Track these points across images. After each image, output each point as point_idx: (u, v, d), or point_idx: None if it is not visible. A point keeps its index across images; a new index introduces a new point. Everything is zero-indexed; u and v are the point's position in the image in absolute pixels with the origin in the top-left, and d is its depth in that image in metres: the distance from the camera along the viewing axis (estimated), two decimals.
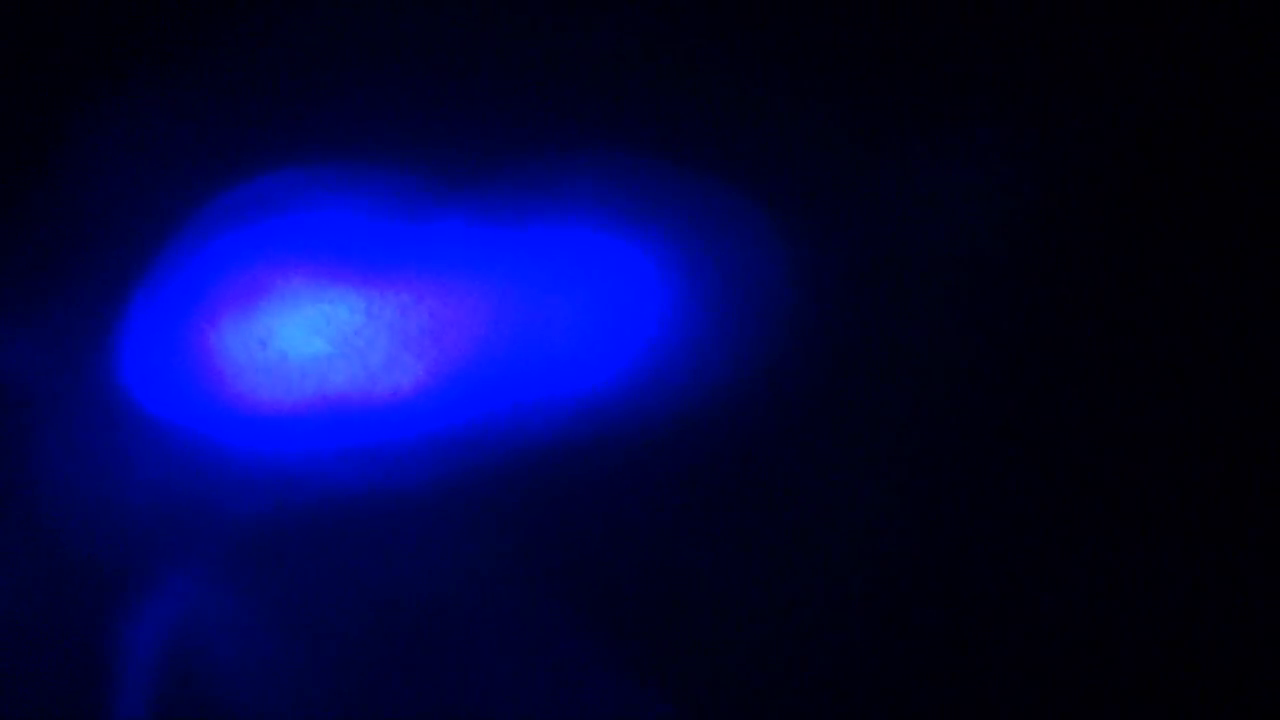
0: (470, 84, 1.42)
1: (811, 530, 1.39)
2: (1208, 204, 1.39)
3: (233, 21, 1.42)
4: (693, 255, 1.41)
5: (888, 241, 1.40)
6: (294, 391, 1.41)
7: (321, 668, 1.40)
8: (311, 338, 1.41)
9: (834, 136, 1.40)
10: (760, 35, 1.41)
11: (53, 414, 1.42)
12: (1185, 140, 1.39)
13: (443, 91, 1.42)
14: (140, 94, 1.42)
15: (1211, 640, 1.36)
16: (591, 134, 1.41)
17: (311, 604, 1.40)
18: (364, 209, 1.42)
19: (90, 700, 1.39)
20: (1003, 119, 1.40)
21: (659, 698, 1.38)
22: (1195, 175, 1.39)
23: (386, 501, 1.40)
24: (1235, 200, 1.38)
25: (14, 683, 1.40)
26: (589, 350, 1.41)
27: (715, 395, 1.40)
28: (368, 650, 1.40)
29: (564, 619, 1.39)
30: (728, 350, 1.40)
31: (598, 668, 1.39)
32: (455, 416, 1.40)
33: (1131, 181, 1.39)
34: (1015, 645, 1.37)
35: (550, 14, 1.41)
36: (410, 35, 1.42)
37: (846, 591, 1.39)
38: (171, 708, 1.39)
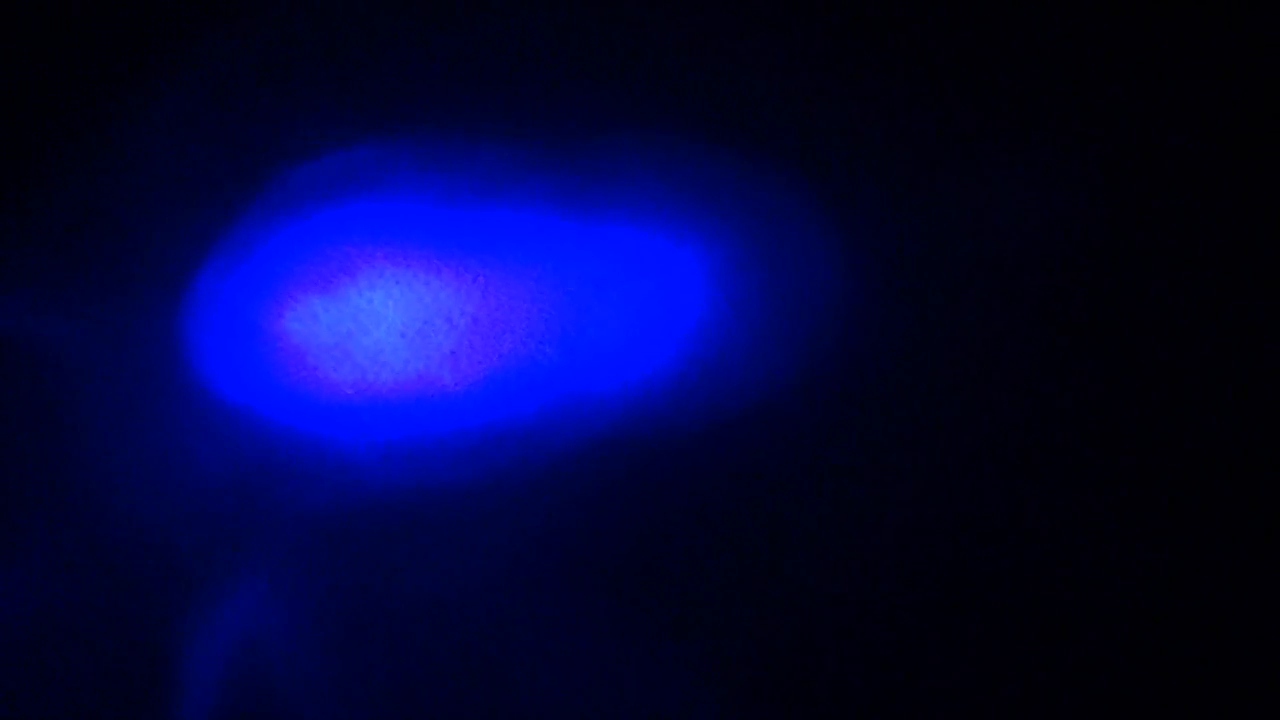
0: (530, 80, 1.43)
1: (852, 532, 1.41)
2: (1233, 220, 1.40)
3: (297, 8, 1.43)
4: (747, 257, 1.42)
5: (930, 247, 1.41)
6: (351, 376, 1.42)
7: (376, 658, 1.41)
8: (376, 325, 1.42)
9: (881, 144, 1.42)
10: (809, 44, 1.42)
11: (117, 396, 1.42)
12: (1209, 158, 1.40)
13: (499, 86, 1.43)
14: (212, 76, 1.43)
15: (1220, 653, 1.38)
16: (648, 135, 1.42)
17: (367, 593, 1.42)
18: (426, 195, 1.43)
19: (154, 686, 1.40)
20: (1045, 134, 1.41)
21: (693, 696, 1.39)
22: (1219, 192, 1.40)
23: (439, 492, 1.41)
24: (1260, 218, 1.40)
25: (77, 670, 1.40)
26: (642, 346, 1.42)
27: (761, 394, 1.42)
28: (417, 641, 1.42)
29: (611, 616, 1.41)
30: (772, 350, 1.42)
31: (640, 667, 1.40)
32: (509, 409, 1.41)
33: (1158, 198, 1.41)
34: (1042, 653, 1.39)
35: (613, 10, 1.43)
36: (478, 28, 1.43)
37: (884, 590, 1.40)
38: (234, 695, 1.40)
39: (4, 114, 1.42)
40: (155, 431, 1.43)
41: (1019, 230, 1.41)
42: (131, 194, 1.44)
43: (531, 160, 1.43)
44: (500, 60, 1.44)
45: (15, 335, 1.42)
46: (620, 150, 1.43)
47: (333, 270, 1.43)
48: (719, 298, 1.42)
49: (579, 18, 1.43)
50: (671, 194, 1.43)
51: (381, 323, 1.42)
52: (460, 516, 1.41)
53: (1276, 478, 1.38)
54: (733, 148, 1.43)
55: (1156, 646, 1.38)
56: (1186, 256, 1.40)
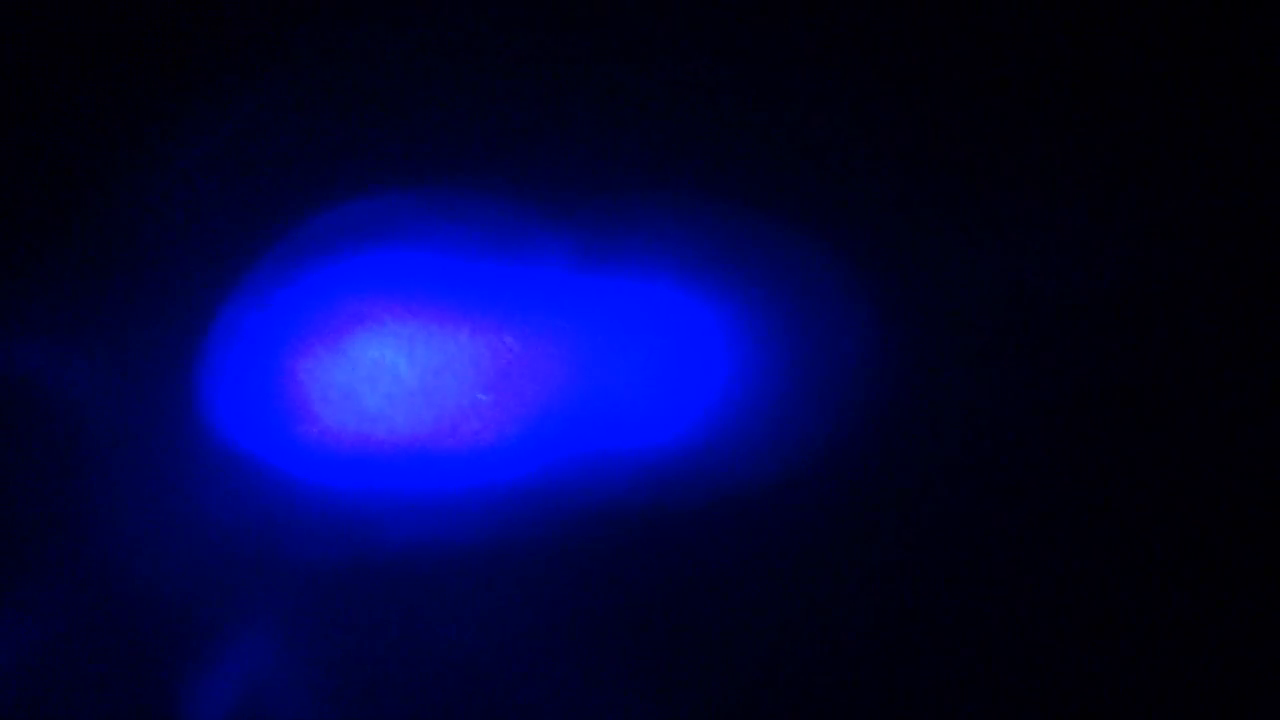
0: (557, 133, 1.42)
1: (870, 605, 1.40)
2: (1245, 287, 1.41)
3: (330, 52, 1.41)
4: (767, 316, 1.42)
5: (952, 309, 1.41)
6: (363, 429, 1.40)
7: (377, 709, 1.40)
8: (385, 376, 1.40)
9: (905, 206, 1.42)
10: (835, 105, 1.42)
11: (127, 442, 1.41)
12: (1220, 225, 1.41)
13: (530, 137, 1.42)
14: (232, 127, 1.41)
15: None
16: (670, 193, 1.42)
17: (372, 642, 1.40)
18: (444, 249, 1.42)
19: None
20: (1068, 197, 1.42)
21: None
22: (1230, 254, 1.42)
23: (448, 544, 1.40)
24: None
25: (77, 711, 1.39)
26: (660, 404, 1.41)
27: (783, 454, 1.41)
28: (422, 692, 1.40)
29: (626, 670, 1.40)
30: (793, 411, 1.41)
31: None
32: (527, 464, 1.40)
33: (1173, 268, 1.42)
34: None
35: (636, 69, 1.42)
36: (501, 83, 1.42)
37: (899, 674, 1.40)
38: None
39: (21, 162, 1.40)
40: (163, 477, 1.41)
41: (1040, 294, 1.42)
42: (147, 243, 1.42)
43: (554, 216, 1.42)
44: (523, 114, 1.42)
45: (26, 378, 1.40)
46: (642, 208, 1.42)
47: (347, 322, 1.41)
48: (739, 357, 1.42)
49: (607, 73, 1.43)
50: (693, 253, 1.42)
51: (394, 376, 1.41)
52: (468, 572, 1.40)
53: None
54: (755, 206, 1.42)
55: (1165, 672, 1.40)
56: (1203, 325, 1.42)
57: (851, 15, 1.41)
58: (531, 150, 1.42)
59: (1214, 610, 1.39)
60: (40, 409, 1.39)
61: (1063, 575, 1.40)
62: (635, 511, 1.39)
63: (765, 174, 1.42)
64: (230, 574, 1.40)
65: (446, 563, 1.39)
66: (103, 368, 1.40)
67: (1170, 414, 1.40)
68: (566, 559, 1.39)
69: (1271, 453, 1.39)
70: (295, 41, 1.41)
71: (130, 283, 1.41)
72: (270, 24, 1.41)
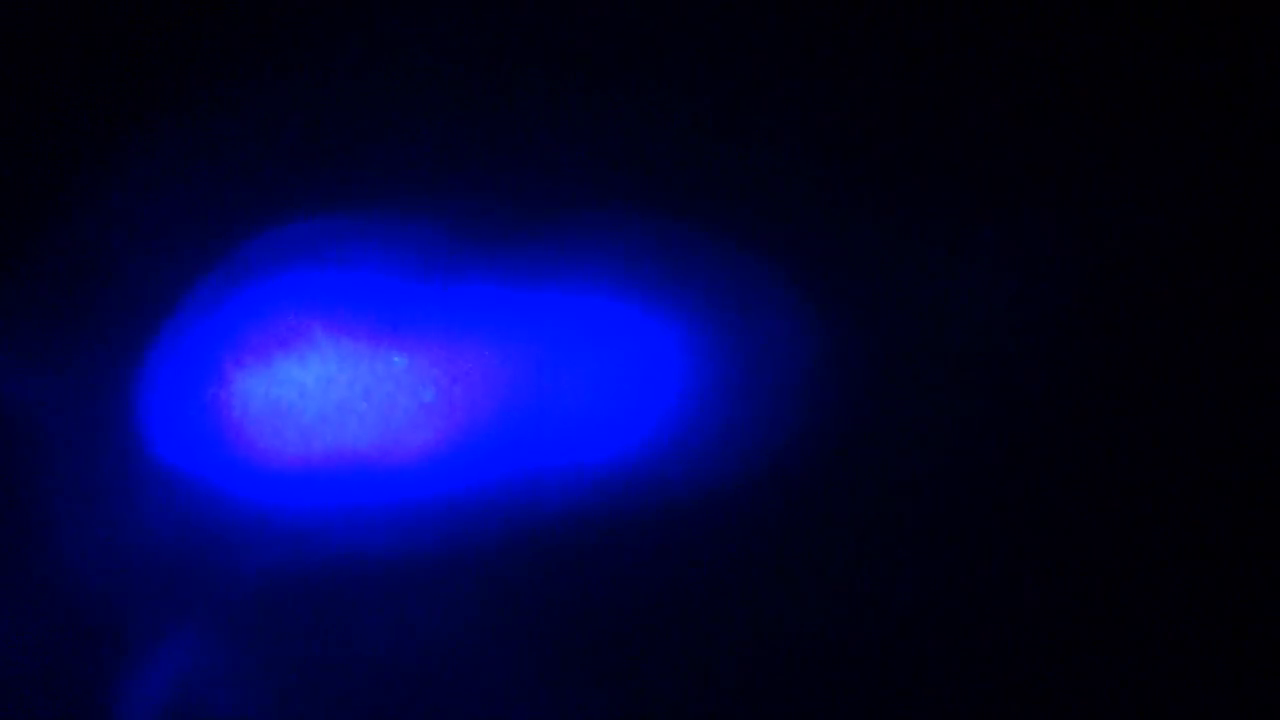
0: (502, 147, 1.42)
1: (825, 610, 1.39)
2: (1219, 297, 1.40)
3: (277, 69, 1.42)
4: (712, 326, 1.41)
5: (911, 324, 1.40)
6: (306, 447, 1.40)
7: None
8: (328, 393, 1.40)
9: (859, 217, 1.41)
10: (788, 119, 1.41)
11: (65, 456, 1.41)
12: (1196, 237, 1.39)
13: (473, 152, 1.42)
14: (173, 140, 1.42)
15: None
16: (619, 205, 1.41)
17: (311, 662, 1.39)
18: (387, 266, 1.41)
19: None
20: (1027, 213, 1.40)
21: None
22: (1205, 270, 1.40)
23: (393, 563, 1.39)
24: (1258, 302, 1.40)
25: None
26: (606, 419, 1.40)
27: (731, 467, 1.39)
28: (366, 709, 1.39)
29: (568, 690, 1.38)
30: (744, 423, 1.40)
31: None
32: (468, 480, 1.39)
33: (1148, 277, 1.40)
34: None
35: (587, 82, 1.42)
36: (442, 98, 1.42)
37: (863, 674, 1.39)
38: None
39: None
40: (106, 495, 1.41)
41: (1000, 306, 1.40)
42: (87, 260, 1.42)
43: (501, 231, 1.41)
44: (466, 131, 1.42)
45: None
46: (589, 222, 1.41)
47: (289, 338, 1.41)
48: (691, 367, 1.41)
49: (565, 88, 1.42)
50: (642, 263, 1.41)
51: (338, 392, 1.40)
52: (410, 586, 1.39)
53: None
54: (705, 218, 1.41)
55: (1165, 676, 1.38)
56: (1180, 333, 1.40)
57: (814, 18, 1.42)
58: (477, 166, 1.42)
59: (1199, 612, 1.38)
60: None
61: (1032, 584, 1.39)
62: (585, 524, 1.38)
63: (717, 183, 1.42)
64: (175, 589, 1.39)
65: (391, 576, 1.39)
66: (45, 383, 1.41)
67: (1149, 416, 1.39)
68: (514, 571, 1.39)
69: (1259, 457, 1.38)
70: (237, 63, 1.42)
71: (74, 298, 1.41)
72: (218, 44, 1.42)
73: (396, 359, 1.40)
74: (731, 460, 1.39)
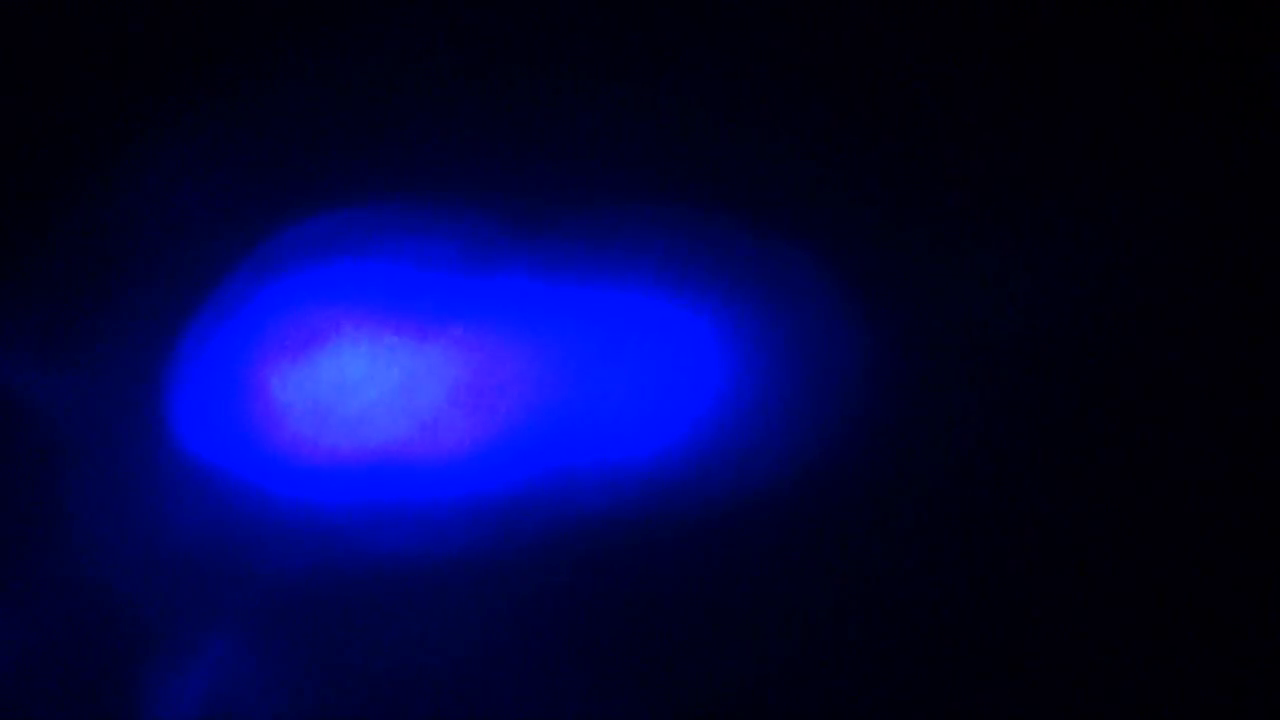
0: (532, 141, 1.40)
1: (857, 607, 1.37)
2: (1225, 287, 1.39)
3: (305, 61, 1.40)
4: (747, 323, 1.39)
5: (941, 318, 1.39)
6: (343, 442, 1.38)
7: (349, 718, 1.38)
8: (359, 389, 1.38)
9: (891, 215, 1.39)
10: (817, 114, 1.40)
11: (95, 452, 1.39)
12: (1205, 230, 1.39)
13: (511, 145, 1.40)
14: (209, 128, 1.40)
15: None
16: (652, 200, 1.39)
17: (341, 659, 1.38)
18: (424, 259, 1.39)
19: None
20: (1055, 206, 1.39)
21: None
22: (1213, 260, 1.39)
23: (430, 560, 1.37)
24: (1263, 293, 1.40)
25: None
26: (639, 416, 1.38)
27: (767, 467, 1.38)
28: (393, 709, 1.38)
29: (597, 689, 1.37)
30: (780, 424, 1.38)
31: None
32: (500, 478, 1.37)
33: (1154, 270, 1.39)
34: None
35: (619, 77, 1.40)
36: (477, 89, 1.41)
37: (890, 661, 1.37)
38: None
39: None
40: (136, 489, 1.39)
41: (1029, 301, 1.39)
42: (118, 253, 1.41)
43: (533, 225, 1.40)
44: (500, 123, 1.41)
45: None
46: (623, 219, 1.40)
47: (322, 333, 1.39)
48: (725, 367, 1.39)
49: (584, 81, 1.41)
50: (676, 261, 1.40)
51: (370, 387, 1.38)
52: (442, 585, 1.37)
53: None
54: (739, 218, 1.40)
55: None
56: (1191, 326, 1.39)
57: (833, 19, 1.40)
58: (510, 159, 1.40)
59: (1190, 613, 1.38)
60: (9, 418, 1.38)
61: (1057, 584, 1.38)
62: (617, 524, 1.37)
63: (748, 182, 1.40)
64: (202, 586, 1.38)
65: (420, 575, 1.37)
66: (73, 378, 1.39)
67: (1160, 420, 1.39)
68: (544, 571, 1.37)
69: (1256, 459, 1.38)
70: (264, 55, 1.40)
71: (102, 292, 1.39)
72: (238, 36, 1.40)
73: (429, 354, 1.38)
74: (764, 459, 1.38)
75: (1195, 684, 1.36)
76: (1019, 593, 1.37)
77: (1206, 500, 1.37)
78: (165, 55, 1.40)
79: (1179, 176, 1.39)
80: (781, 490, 1.37)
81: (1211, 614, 1.37)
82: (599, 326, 1.39)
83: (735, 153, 1.40)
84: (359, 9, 1.41)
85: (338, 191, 1.40)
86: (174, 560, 1.38)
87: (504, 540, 1.37)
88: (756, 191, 1.40)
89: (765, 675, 1.37)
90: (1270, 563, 1.36)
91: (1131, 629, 1.37)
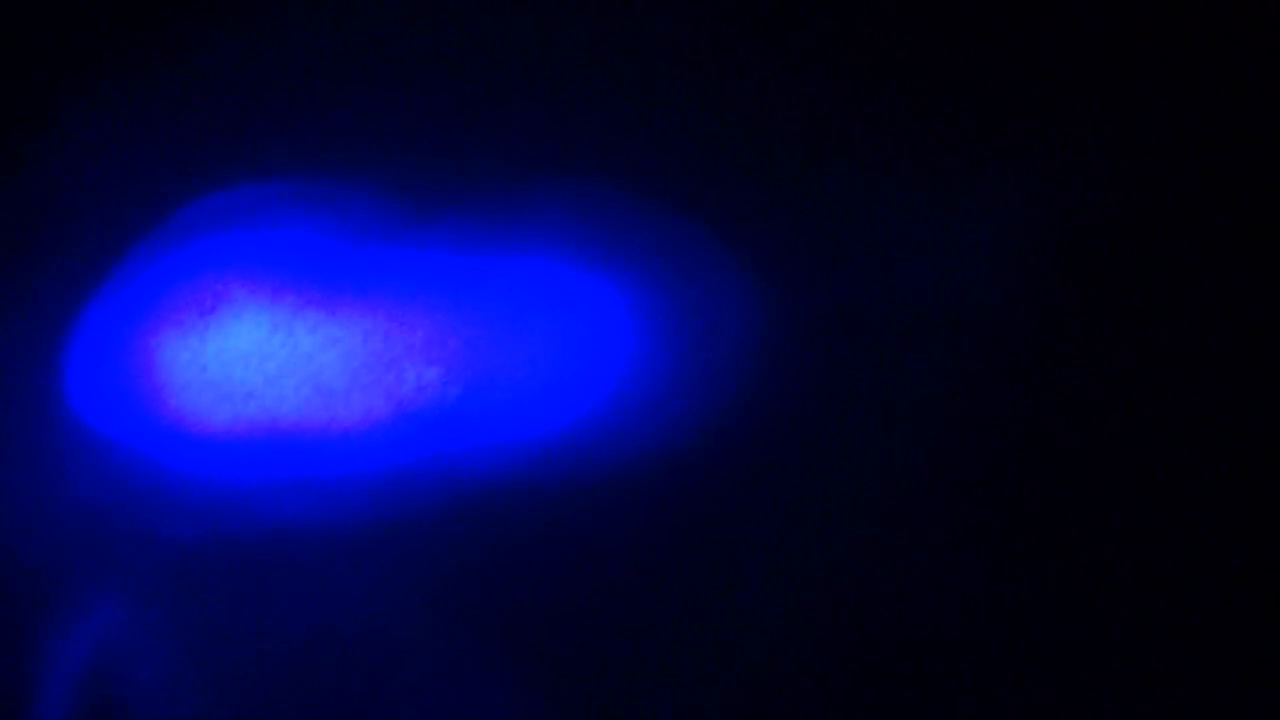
0: (445, 109, 1.39)
1: (784, 568, 1.34)
2: (1203, 255, 1.36)
3: (212, 29, 1.39)
4: (667, 287, 1.37)
5: (870, 277, 1.36)
6: (240, 414, 1.36)
7: (247, 697, 1.34)
8: (263, 359, 1.36)
9: (819, 171, 1.37)
10: (747, 69, 1.38)
11: None
12: (1177, 186, 1.37)
13: (416, 116, 1.39)
14: (105, 105, 1.39)
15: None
16: (569, 164, 1.37)
17: (236, 633, 1.35)
18: (328, 229, 1.38)
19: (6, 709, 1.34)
20: (992, 162, 1.37)
21: None
22: (1190, 223, 1.36)
23: (328, 533, 1.34)
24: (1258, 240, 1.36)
25: None
26: (555, 384, 1.36)
27: (687, 432, 1.35)
28: (294, 682, 1.34)
29: (510, 658, 1.33)
30: (698, 390, 1.36)
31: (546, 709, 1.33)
32: (406, 451, 1.35)
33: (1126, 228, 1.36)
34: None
35: (533, 45, 1.39)
36: (388, 59, 1.39)
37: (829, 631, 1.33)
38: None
39: None
40: (30, 460, 1.37)
41: (961, 272, 1.37)
42: (15, 224, 1.40)
43: (439, 200, 1.38)
44: (427, 89, 1.39)
45: None
46: (532, 192, 1.38)
47: (223, 305, 1.38)
48: (648, 335, 1.37)
49: (513, 49, 1.39)
50: (601, 227, 1.37)
51: (272, 359, 1.37)
52: (339, 561, 1.35)
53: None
54: (653, 191, 1.38)
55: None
56: (1180, 271, 1.36)
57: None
58: (415, 131, 1.38)
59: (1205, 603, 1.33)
60: None
61: (1009, 564, 1.34)
62: (519, 499, 1.34)
63: (659, 159, 1.38)
64: (96, 558, 1.35)
65: (319, 550, 1.34)
66: None
67: (1142, 413, 1.35)
68: (443, 547, 1.34)
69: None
70: (168, 25, 1.39)
71: None
72: (142, 6, 1.39)
73: (330, 327, 1.36)
74: (685, 432, 1.35)
75: (1190, 678, 1.32)
76: (959, 566, 1.34)
77: (1192, 482, 1.34)
78: (71, 25, 1.40)
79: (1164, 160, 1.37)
80: (694, 465, 1.34)
81: (1197, 590, 1.33)
82: (505, 300, 1.37)
83: (653, 123, 1.38)
84: None
85: (239, 164, 1.38)
86: (69, 532, 1.36)
87: (402, 515, 1.34)
88: (673, 162, 1.38)
89: (668, 646, 1.34)
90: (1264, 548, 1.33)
91: (1115, 615, 1.33)
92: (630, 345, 1.36)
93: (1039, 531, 1.33)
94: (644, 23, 1.39)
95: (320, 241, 1.37)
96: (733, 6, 1.39)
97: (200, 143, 1.39)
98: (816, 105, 1.38)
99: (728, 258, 1.37)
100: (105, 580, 1.35)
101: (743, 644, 1.33)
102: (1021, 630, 1.32)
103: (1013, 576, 1.32)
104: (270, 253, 1.37)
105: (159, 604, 1.34)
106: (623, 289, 1.37)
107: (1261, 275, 1.35)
